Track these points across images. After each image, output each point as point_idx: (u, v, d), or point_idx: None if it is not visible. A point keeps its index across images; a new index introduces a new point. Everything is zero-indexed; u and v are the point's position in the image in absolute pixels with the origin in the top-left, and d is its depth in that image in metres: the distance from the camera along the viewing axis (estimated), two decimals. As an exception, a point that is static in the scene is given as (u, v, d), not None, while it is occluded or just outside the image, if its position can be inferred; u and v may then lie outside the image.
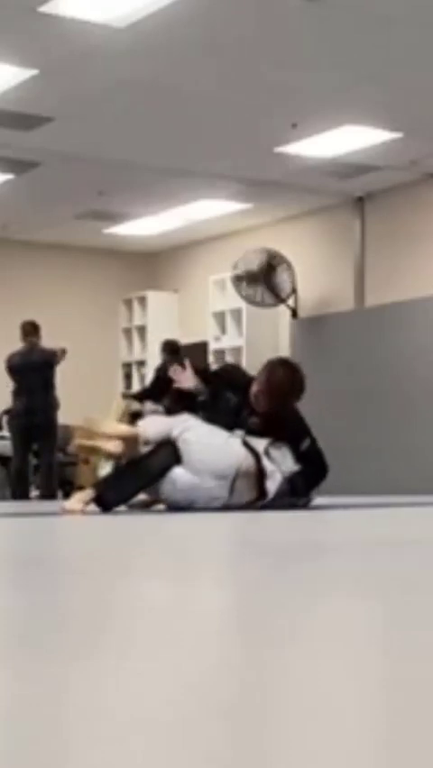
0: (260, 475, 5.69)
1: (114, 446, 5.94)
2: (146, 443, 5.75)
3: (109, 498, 5.63)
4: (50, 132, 9.69)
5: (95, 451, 6.41)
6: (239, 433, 5.84)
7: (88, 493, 5.71)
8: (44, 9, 7.17)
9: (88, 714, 0.90)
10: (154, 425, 5.88)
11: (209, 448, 5.71)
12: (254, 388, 5.98)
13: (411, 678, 1.05)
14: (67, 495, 12.45)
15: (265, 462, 5.71)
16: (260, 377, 6.03)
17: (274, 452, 5.77)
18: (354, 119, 9.42)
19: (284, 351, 12.49)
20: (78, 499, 5.68)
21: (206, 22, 7.41)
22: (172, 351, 11.83)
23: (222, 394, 6.05)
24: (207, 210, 12.52)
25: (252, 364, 12.05)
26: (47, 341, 10.72)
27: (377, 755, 0.76)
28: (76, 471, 13.21)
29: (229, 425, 5.89)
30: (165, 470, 5.65)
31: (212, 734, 0.82)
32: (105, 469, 13.19)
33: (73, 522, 5.09)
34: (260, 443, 5.79)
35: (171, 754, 0.76)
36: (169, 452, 5.68)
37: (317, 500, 6.04)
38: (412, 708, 0.92)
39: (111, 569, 2.47)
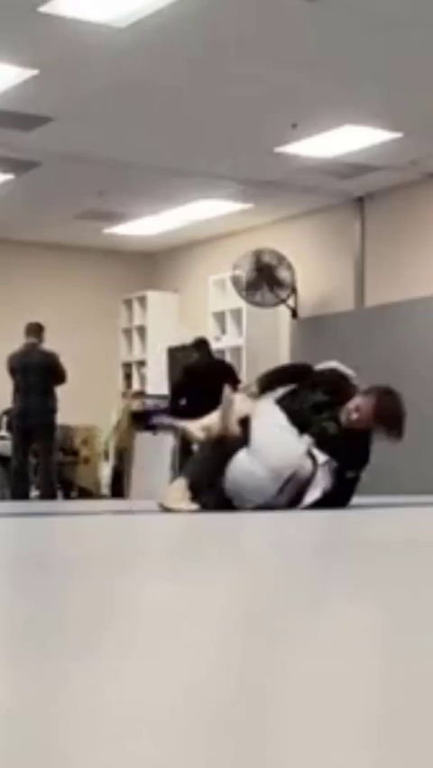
0: (307, 482, 5.69)
1: (199, 432, 5.94)
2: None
3: (201, 483, 5.62)
4: (49, 132, 9.68)
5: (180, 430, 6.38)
6: (306, 439, 5.81)
7: (182, 482, 5.68)
8: (44, 9, 7.17)
9: (88, 714, 0.90)
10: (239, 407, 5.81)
11: (277, 439, 5.70)
12: (358, 404, 5.94)
13: (412, 678, 1.05)
14: (67, 495, 12.48)
15: (318, 473, 5.71)
16: (368, 398, 5.96)
17: (326, 468, 5.76)
18: (354, 119, 9.42)
19: (284, 351, 12.49)
20: (179, 497, 5.61)
21: (206, 21, 7.41)
22: (198, 347, 11.79)
23: (309, 392, 6.02)
24: (207, 210, 12.52)
25: (252, 364, 12.09)
26: (48, 341, 10.72)
27: (378, 756, 0.76)
28: (76, 471, 13.23)
29: (297, 423, 5.86)
30: (229, 456, 5.65)
31: (212, 734, 0.82)
32: (106, 469, 13.24)
33: (73, 522, 5.09)
34: (320, 456, 5.78)
35: (171, 755, 0.76)
36: (244, 435, 5.69)
37: None
38: (413, 708, 0.92)
39: (112, 569, 2.47)
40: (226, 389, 5.97)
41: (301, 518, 5.02)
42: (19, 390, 10.45)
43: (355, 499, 6.11)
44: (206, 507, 5.63)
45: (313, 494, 5.69)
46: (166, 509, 5.55)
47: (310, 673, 1.09)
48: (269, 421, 5.76)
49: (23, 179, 11.16)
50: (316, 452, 5.76)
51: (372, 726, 0.84)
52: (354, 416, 5.89)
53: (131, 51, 7.90)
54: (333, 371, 6.40)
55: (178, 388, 11.15)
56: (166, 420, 6.59)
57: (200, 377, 10.74)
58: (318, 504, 5.70)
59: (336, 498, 5.84)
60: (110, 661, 1.17)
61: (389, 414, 5.98)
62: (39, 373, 10.38)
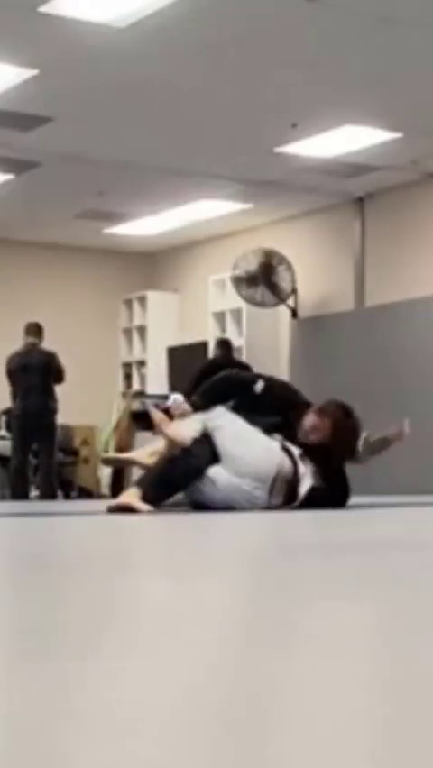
0: (294, 480, 5.69)
1: (146, 460, 5.92)
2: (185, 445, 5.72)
3: (149, 496, 5.61)
4: (49, 132, 9.69)
5: (128, 462, 6.35)
6: (277, 437, 5.80)
7: (135, 492, 5.67)
8: (44, 9, 7.16)
9: (88, 714, 0.90)
10: (187, 427, 5.81)
11: (250, 447, 5.69)
12: (314, 424, 5.88)
13: (412, 678, 1.05)
14: (67, 495, 12.48)
15: (300, 466, 5.71)
16: (324, 419, 5.91)
17: (307, 459, 5.77)
18: (354, 119, 9.42)
19: (284, 351, 12.49)
20: (136, 499, 5.61)
21: (206, 21, 7.41)
22: (222, 346, 11.83)
23: (259, 414, 5.95)
24: (207, 210, 12.52)
25: (252, 364, 12.08)
26: (48, 341, 10.72)
27: (378, 756, 0.76)
28: (76, 471, 13.23)
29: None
30: (200, 471, 5.63)
31: (212, 734, 0.82)
32: (106, 469, 13.25)
33: (74, 522, 5.09)
34: (294, 449, 5.79)
35: (171, 755, 0.76)
36: (205, 452, 5.66)
37: None
38: (413, 708, 0.92)
39: (112, 569, 2.47)
40: (156, 418, 5.95)
41: (300, 518, 5.02)
42: (19, 390, 10.45)
43: (355, 499, 6.11)
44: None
45: (305, 485, 5.70)
46: (117, 509, 5.54)
47: (310, 673, 1.09)
48: (234, 431, 5.74)
49: (23, 179, 11.16)
50: (289, 445, 5.77)
51: (372, 727, 0.84)
52: (312, 437, 5.84)
53: (131, 51, 7.90)
54: (283, 385, 6.38)
55: (193, 386, 11.17)
56: (120, 457, 6.67)
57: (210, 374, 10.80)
58: (320, 501, 5.70)
59: (334, 493, 5.83)
60: (110, 661, 1.17)
61: (345, 437, 5.89)
62: (39, 373, 10.38)
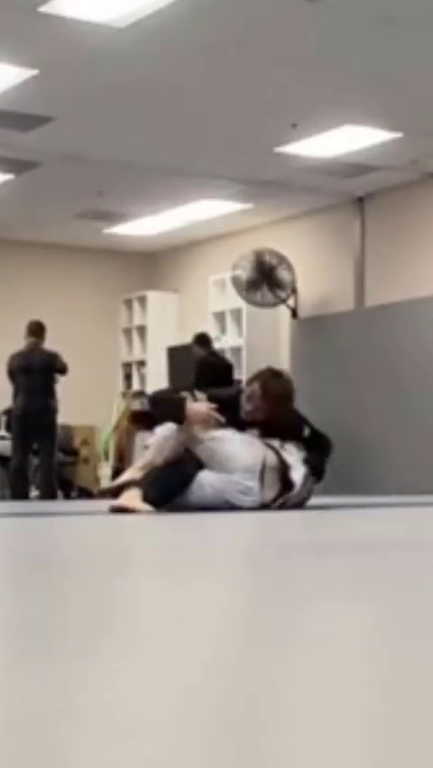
0: (283, 467, 5.76)
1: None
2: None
3: (150, 498, 5.68)
4: (49, 132, 9.68)
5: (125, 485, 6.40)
6: (253, 431, 5.90)
7: (136, 493, 5.73)
8: (44, 9, 7.16)
9: (88, 714, 0.90)
10: (165, 446, 5.90)
11: (232, 445, 5.78)
12: (247, 394, 5.99)
13: (412, 678, 1.05)
14: (67, 495, 12.48)
15: (285, 455, 5.79)
16: (252, 391, 6.01)
17: (288, 446, 5.85)
18: (354, 119, 9.42)
19: (284, 351, 12.49)
20: (137, 500, 5.68)
21: (206, 22, 7.41)
22: (204, 343, 11.87)
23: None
24: (207, 210, 12.52)
25: (252, 364, 12.09)
26: (48, 341, 10.72)
27: (378, 756, 0.76)
28: (76, 471, 13.23)
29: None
30: (189, 480, 5.71)
31: (212, 734, 0.82)
32: (105, 469, 13.26)
33: (74, 522, 5.09)
34: (273, 440, 5.86)
35: (171, 755, 0.76)
36: (192, 463, 5.75)
37: (321, 500, 6.06)
38: (413, 708, 0.92)
39: (112, 569, 2.47)
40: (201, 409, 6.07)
41: (299, 517, 5.02)
42: (20, 390, 10.45)
43: (356, 499, 6.11)
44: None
45: (298, 471, 5.76)
46: (119, 510, 5.59)
47: (310, 673, 1.09)
48: (214, 435, 5.83)
49: (23, 179, 11.16)
50: (267, 440, 5.86)
51: (372, 727, 0.84)
52: (248, 406, 5.93)
53: (131, 51, 7.90)
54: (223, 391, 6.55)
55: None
56: (114, 485, 6.83)
57: (211, 372, 10.86)
58: (315, 467, 5.80)
59: (318, 449, 5.94)
60: (110, 661, 1.17)
61: (277, 396, 5.97)
62: (41, 373, 10.39)
